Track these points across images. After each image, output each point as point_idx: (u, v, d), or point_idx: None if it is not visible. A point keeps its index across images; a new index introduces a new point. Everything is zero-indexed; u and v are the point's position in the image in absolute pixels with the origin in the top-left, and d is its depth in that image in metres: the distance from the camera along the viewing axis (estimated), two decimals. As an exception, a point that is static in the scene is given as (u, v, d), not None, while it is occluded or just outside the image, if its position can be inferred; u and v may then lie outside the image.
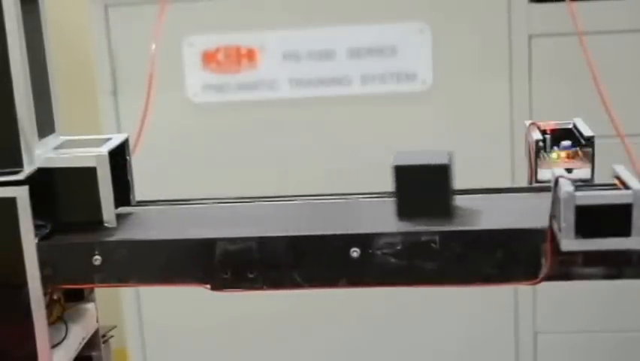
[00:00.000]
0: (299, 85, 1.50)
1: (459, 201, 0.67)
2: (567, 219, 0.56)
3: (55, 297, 0.68)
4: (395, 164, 0.64)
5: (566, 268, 0.60)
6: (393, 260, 0.61)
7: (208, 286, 0.63)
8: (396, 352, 1.59)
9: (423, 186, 0.64)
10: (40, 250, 0.63)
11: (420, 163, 0.64)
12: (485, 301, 1.54)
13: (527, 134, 0.70)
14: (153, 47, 0.80)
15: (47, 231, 0.65)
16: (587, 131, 0.68)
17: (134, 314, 1.61)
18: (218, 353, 1.62)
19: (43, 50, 0.67)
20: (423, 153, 0.66)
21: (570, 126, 0.70)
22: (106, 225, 0.65)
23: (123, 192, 0.69)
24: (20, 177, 0.62)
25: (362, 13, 1.48)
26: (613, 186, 0.60)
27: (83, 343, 0.71)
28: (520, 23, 1.44)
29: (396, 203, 0.65)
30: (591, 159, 0.67)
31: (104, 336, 0.74)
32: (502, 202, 0.67)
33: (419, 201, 0.64)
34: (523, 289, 1.50)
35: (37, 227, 0.63)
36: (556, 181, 0.58)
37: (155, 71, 0.77)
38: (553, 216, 0.59)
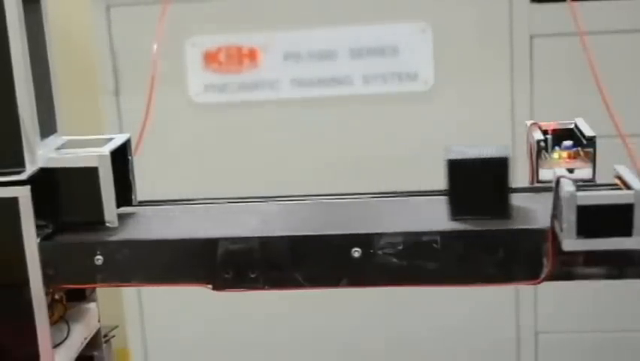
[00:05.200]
0: (300, 85, 1.50)
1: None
2: (568, 220, 0.56)
3: (57, 297, 0.68)
4: (448, 158, 0.62)
5: (568, 268, 0.60)
6: (394, 260, 0.61)
7: (210, 285, 0.63)
8: (397, 352, 1.59)
9: (478, 183, 0.62)
10: (42, 249, 0.63)
11: (475, 157, 0.62)
12: (486, 301, 1.54)
13: (529, 134, 0.70)
14: (155, 47, 0.81)
15: (49, 231, 0.65)
16: (588, 131, 0.68)
17: (135, 314, 1.61)
18: (219, 353, 1.62)
19: (45, 49, 0.67)
20: (478, 146, 0.63)
21: (571, 126, 0.70)
22: (107, 225, 0.65)
23: (125, 192, 0.69)
24: (22, 177, 0.62)
25: (363, 13, 1.48)
26: (614, 186, 0.60)
27: (85, 343, 0.71)
28: (521, 23, 1.44)
29: (448, 201, 0.63)
30: (592, 159, 0.67)
31: (105, 336, 0.74)
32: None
33: (474, 198, 0.62)
34: (525, 289, 1.50)
35: (39, 227, 0.63)
36: (558, 181, 0.58)
37: (157, 71, 0.77)
38: (554, 216, 0.59)
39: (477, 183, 0.62)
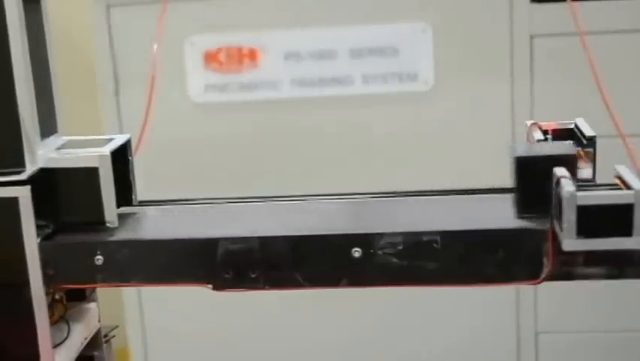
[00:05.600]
0: (300, 85, 1.50)
1: (458, 202, 0.67)
2: (569, 219, 0.56)
3: (57, 297, 0.68)
4: (515, 155, 0.61)
5: (568, 268, 0.60)
6: (394, 260, 0.61)
7: (210, 285, 0.63)
8: (397, 352, 1.59)
9: (546, 180, 0.60)
10: (43, 249, 0.63)
11: (543, 154, 0.61)
12: (487, 301, 1.54)
13: (529, 134, 0.70)
14: (155, 46, 0.81)
15: (49, 231, 0.65)
16: (588, 131, 0.68)
17: (135, 314, 1.61)
18: (219, 353, 1.62)
19: (46, 49, 0.67)
20: (541, 144, 0.62)
21: (572, 126, 0.70)
22: (108, 225, 0.66)
23: (125, 192, 0.69)
24: (22, 177, 0.62)
25: (364, 13, 1.48)
26: (614, 186, 0.60)
27: (85, 343, 0.71)
28: (521, 23, 1.44)
29: (515, 198, 0.62)
30: (593, 159, 0.67)
31: (105, 336, 0.74)
32: (504, 202, 0.67)
33: (541, 196, 0.61)
34: (525, 289, 1.50)
35: (39, 227, 0.63)
36: (558, 181, 0.58)
37: (157, 71, 0.77)
38: (554, 216, 0.59)
39: (545, 180, 0.61)
